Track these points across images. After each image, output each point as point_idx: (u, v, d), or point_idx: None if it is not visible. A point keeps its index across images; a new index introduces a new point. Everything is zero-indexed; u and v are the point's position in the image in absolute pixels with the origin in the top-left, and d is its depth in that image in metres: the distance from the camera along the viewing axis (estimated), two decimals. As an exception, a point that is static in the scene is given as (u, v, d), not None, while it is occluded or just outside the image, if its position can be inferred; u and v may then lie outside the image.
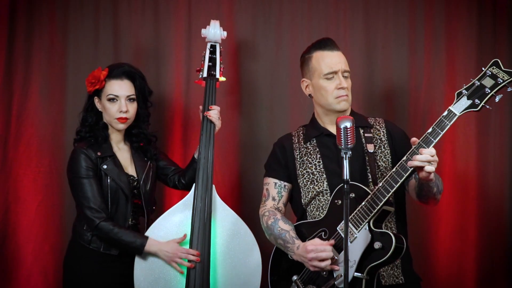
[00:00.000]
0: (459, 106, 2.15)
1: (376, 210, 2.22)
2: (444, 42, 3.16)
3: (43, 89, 3.14)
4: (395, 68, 3.18)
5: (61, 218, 3.10)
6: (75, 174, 2.59)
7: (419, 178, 2.22)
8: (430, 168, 2.14)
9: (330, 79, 2.44)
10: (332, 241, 2.30)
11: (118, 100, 2.65)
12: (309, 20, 3.20)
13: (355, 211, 2.27)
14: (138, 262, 2.59)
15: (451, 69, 3.15)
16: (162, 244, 2.56)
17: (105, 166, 2.61)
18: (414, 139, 2.21)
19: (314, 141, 2.52)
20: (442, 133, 2.15)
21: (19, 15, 3.14)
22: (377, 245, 2.20)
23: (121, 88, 2.66)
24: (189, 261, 2.56)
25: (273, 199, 2.53)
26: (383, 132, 2.49)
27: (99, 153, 2.61)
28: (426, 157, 2.14)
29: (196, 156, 2.77)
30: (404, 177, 2.19)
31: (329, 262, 2.26)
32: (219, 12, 3.17)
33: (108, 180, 2.61)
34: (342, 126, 2.07)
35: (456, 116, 2.15)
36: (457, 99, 2.17)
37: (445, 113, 2.16)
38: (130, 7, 3.19)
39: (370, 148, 2.44)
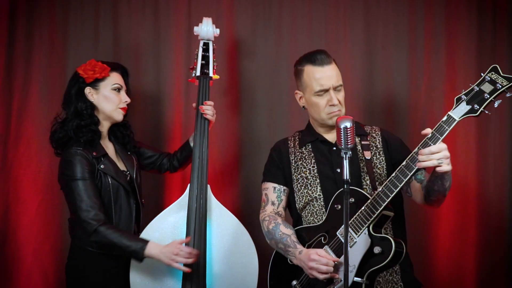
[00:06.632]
0: (459, 111, 2.17)
1: (376, 214, 2.22)
2: (444, 42, 3.16)
3: (43, 89, 3.14)
4: (395, 68, 3.17)
5: (61, 218, 3.09)
6: (71, 176, 2.48)
7: (435, 171, 2.20)
8: (431, 163, 2.13)
9: (322, 96, 2.44)
10: (337, 258, 2.26)
11: (121, 91, 2.64)
12: (309, 20, 3.20)
13: (354, 216, 2.26)
14: (133, 262, 2.54)
15: (451, 69, 3.15)
16: (163, 247, 2.45)
17: (102, 166, 2.54)
18: (427, 130, 2.20)
19: (310, 146, 2.52)
20: (441, 138, 2.16)
21: (19, 15, 3.14)
22: (377, 249, 2.19)
23: (121, 80, 2.66)
24: (186, 265, 2.47)
25: (273, 203, 2.52)
26: (379, 139, 2.50)
27: (94, 153, 2.54)
28: (427, 157, 2.14)
29: (190, 141, 2.76)
30: (404, 181, 2.19)
31: (328, 276, 2.25)
32: (219, 12, 3.17)
33: (109, 180, 2.54)
34: (342, 126, 2.06)
35: (456, 121, 2.16)
36: (456, 104, 2.18)
37: (445, 118, 2.18)
38: (130, 7, 3.19)
39: (367, 155, 2.44)
